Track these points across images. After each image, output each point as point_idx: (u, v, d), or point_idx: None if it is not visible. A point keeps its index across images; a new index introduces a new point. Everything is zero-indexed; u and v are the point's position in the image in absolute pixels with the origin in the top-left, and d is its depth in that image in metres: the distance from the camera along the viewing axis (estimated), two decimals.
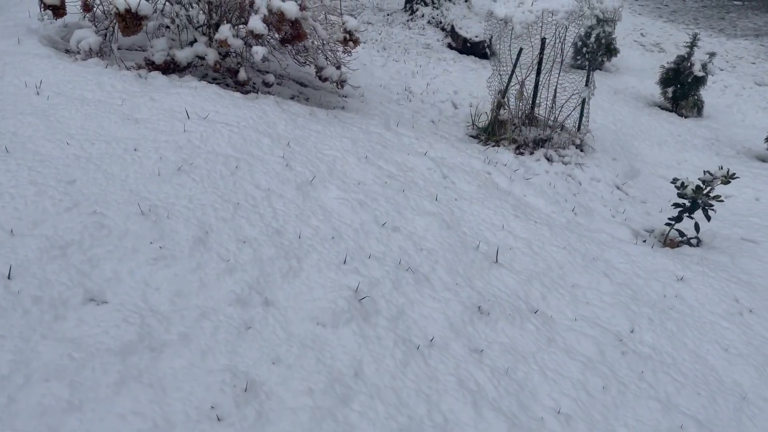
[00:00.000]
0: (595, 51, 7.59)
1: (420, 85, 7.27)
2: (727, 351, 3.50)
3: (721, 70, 9.73)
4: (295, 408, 2.28)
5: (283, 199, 3.60)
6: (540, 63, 5.94)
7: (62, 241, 2.73)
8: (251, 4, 4.85)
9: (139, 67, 4.88)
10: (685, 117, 8.12)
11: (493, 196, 4.64)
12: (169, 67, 4.95)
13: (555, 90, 5.99)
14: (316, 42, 5.50)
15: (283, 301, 2.82)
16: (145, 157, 3.53)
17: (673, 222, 4.83)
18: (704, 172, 4.74)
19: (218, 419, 2.17)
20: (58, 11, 4.88)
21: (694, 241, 4.92)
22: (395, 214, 3.85)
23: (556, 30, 5.59)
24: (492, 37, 6.00)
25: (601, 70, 9.04)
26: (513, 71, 5.86)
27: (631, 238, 4.81)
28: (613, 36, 8.54)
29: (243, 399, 2.25)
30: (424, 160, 4.87)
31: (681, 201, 4.80)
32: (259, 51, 4.84)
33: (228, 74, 5.28)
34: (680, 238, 4.91)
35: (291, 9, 4.76)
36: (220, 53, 5.12)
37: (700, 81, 7.99)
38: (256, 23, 4.76)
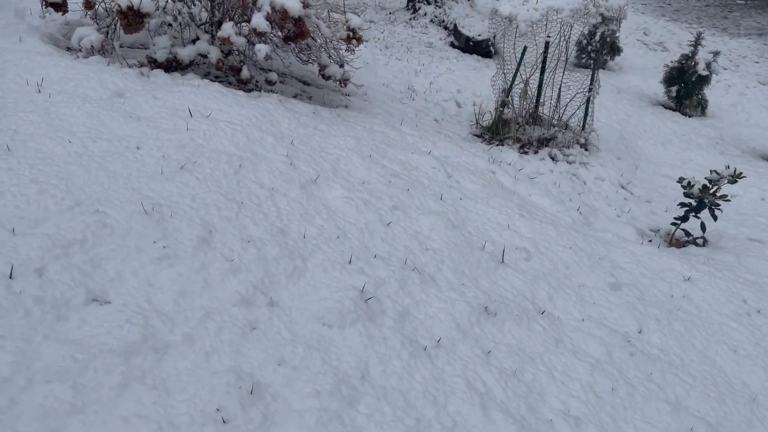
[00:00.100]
0: (600, 50, 7.54)
1: (423, 84, 7.23)
2: (736, 352, 3.47)
3: (725, 69, 9.68)
4: (302, 410, 2.25)
5: (287, 198, 3.56)
6: (544, 61, 5.90)
7: (64, 241, 2.69)
8: (254, 2, 4.81)
9: (141, 65, 4.85)
10: (689, 116, 8.08)
11: (498, 196, 4.60)
12: (172, 65, 4.91)
13: (559, 89, 5.95)
14: (319, 40, 5.47)
15: (288, 302, 2.79)
16: (148, 155, 3.50)
17: (679, 221, 4.79)
18: (711, 171, 4.70)
19: (223, 422, 2.14)
20: (60, 8, 4.84)
21: (700, 241, 4.88)
22: (400, 213, 3.81)
23: (560, 28, 5.55)
24: (495, 36, 5.96)
25: (604, 69, 8.99)
26: (517, 70, 5.82)
27: (636, 237, 4.77)
28: (617, 35, 8.50)
29: (248, 401, 2.22)
30: (429, 159, 4.83)
31: (687, 200, 4.76)
32: (262, 49, 4.80)
33: (230, 72, 5.24)
34: (686, 238, 4.87)
35: (294, 6, 4.72)
36: (222, 51, 5.08)
37: (704, 80, 7.94)
38: (259, 21, 4.72)
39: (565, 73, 5.91)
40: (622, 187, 5.68)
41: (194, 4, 5.15)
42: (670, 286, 3.95)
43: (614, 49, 8.69)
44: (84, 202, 2.95)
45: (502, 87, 6.01)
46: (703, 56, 7.91)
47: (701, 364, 3.32)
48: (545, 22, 5.56)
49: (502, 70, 5.95)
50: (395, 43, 8.63)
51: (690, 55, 7.99)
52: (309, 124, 4.67)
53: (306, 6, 4.87)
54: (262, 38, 4.88)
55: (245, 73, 5.09)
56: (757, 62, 10.47)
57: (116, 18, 4.79)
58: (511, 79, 5.89)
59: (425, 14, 9.66)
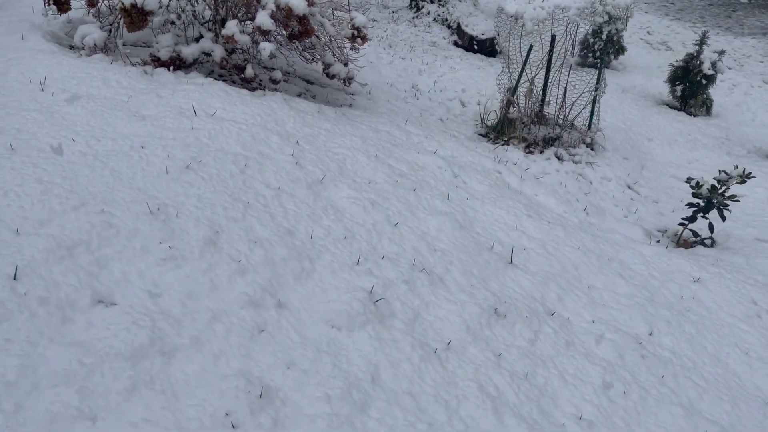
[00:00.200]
0: (607, 49, 7.49)
1: (427, 83, 7.19)
2: (748, 355, 3.43)
3: (729, 68, 9.63)
4: (312, 415, 2.21)
5: (294, 198, 3.52)
6: (550, 60, 5.86)
7: (69, 241, 2.65)
8: (258, 0, 4.76)
9: (145, 63, 4.80)
10: (694, 116, 8.03)
11: (505, 196, 4.56)
12: (175, 64, 4.87)
13: (565, 88, 5.90)
14: (323, 38, 5.42)
15: (296, 303, 2.74)
16: (153, 154, 3.45)
17: (687, 222, 4.75)
18: (719, 171, 4.66)
19: (233, 427, 2.10)
20: (63, 6, 4.80)
21: (708, 242, 4.85)
22: (407, 214, 3.77)
23: (567, 27, 5.51)
24: (499, 34, 5.91)
25: (608, 68, 8.94)
26: (523, 68, 5.78)
27: (644, 238, 4.73)
28: (623, 33, 8.45)
29: (258, 405, 2.18)
30: (435, 158, 4.79)
31: (695, 201, 4.72)
32: (266, 47, 4.75)
33: (234, 71, 5.20)
34: (694, 239, 4.83)
35: (299, 5, 4.68)
36: (226, 49, 5.04)
37: (709, 79, 7.90)
38: (263, 19, 4.67)
39: (571, 72, 5.87)
40: (629, 187, 5.63)
41: (197, 2, 5.10)
42: (679, 287, 3.91)
43: (618, 49, 8.65)
44: (89, 202, 2.91)
45: (507, 86, 5.97)
46: (708, 55, 7.87)
47: (713, 366, 3.28)
48: (551, 21, 5.52)
49: (507, 69, 5.91)
50: (398, 42, 8.59)
51: (695, 54, 7.95)
52: (314, 124, 4.63)
53: (311, 4, 4.82)
54: (267, 36, 4.84)
55: (249, 71, 5.05)
56: (762, 62, 10.42)
57: (119, 16, 4.74)
58: (516, 78, 5.85)
59: (428, 13, 9.62)
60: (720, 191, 4.58)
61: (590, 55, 8.22)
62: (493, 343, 2.90)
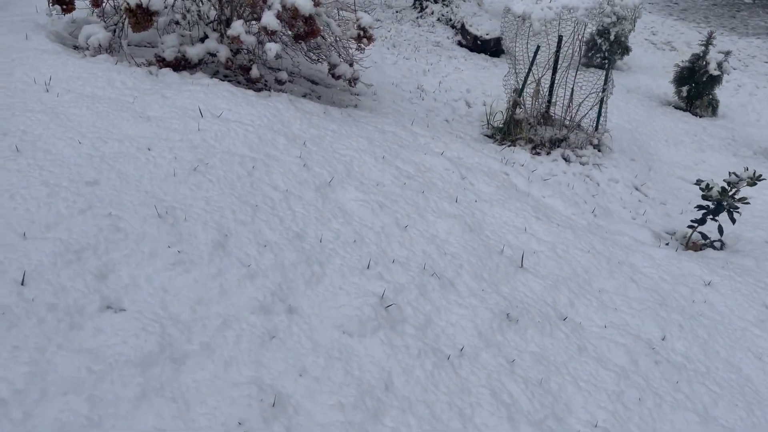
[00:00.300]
0: (614, 49, 7.45)
1: (432, 84, 7.15)
2: (761, 360, 3.39)
3: (734, 69, 9.58)
4: (326, 424, 2.17)
5: (302, 201, 3.48)
6: (556, 61, 5.82)
7: (77, 245, 2.61)
8: (264, 0, 4.72)
9: (150, 64, 4.76)
10: (700, 116, 7.99)
11: (513, 198, 4.52)
12: (180, 64, 4.83)
13: (572, 89, 5.86)
14: (329, 38, 5.38)
15: (306, 309, 2.70)
16: (160, 156, 3.41)
17: (696, 224, 4.71)
18: (729, 173, 4.62)
19: None
20: (67, 6, 4.76)
21: (717, 244, 4.80)
22: (416, 217, 3.73)
23: (575, 27, 5.47)
24: (503, 34, 5.87)
25: (613, 68, 8.90)
26: (530, 69, 5.73)
27: (653, 240, 4.69)
28: (631, 34, 8.41)
29: (271, 414, 2.14)
30: (442, 160, 4.75)
31: (705, 203, 4.68)
32: (272, 48, 4.71)
33: (239, 71, 5.16)
34: (703, 241, 4.79)
35: (305, 5, 4.64)
36: (231, 50, 5.00)
37: (715, 80, 7.85)
38: (269, 19, 4.63)
39: (578, 73, 5.83)
40: (636, 189, 5.59)
41: (202, 2, 5.06)
42: (691, 291, 3.87)
43: (624, 49, 8.60)
44: (96, 205, 2.87)
45: (513, 87, 5.93)
46: (714, 56, 7.82)
47: (727, 372, 3.24)
48: (558, 21, 5.47)
49: (513, 69, 5.87)
50: (402, 42, 8.55)
51: (701, 54, 7.90)
52: (320, 125, 4.59)
53: (317, 4, 4.78)
54: (273, 37, 4.80)
55: (255, 72, 5.01)
56: (767, 62, 10.38)
57: (124, 16, 4.71)
58: (523, 78, 5.81)
59: (432, 13, 9.58)
60: (730, 193, 4.54)
61: (598, 55, 8.16)
62: (505, 349, 2.86)
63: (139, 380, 2.12)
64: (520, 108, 5.89)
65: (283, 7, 4.66)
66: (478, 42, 8.85)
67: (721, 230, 4.70)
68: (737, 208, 4.57)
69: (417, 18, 9.59)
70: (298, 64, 5.91)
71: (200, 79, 4.68)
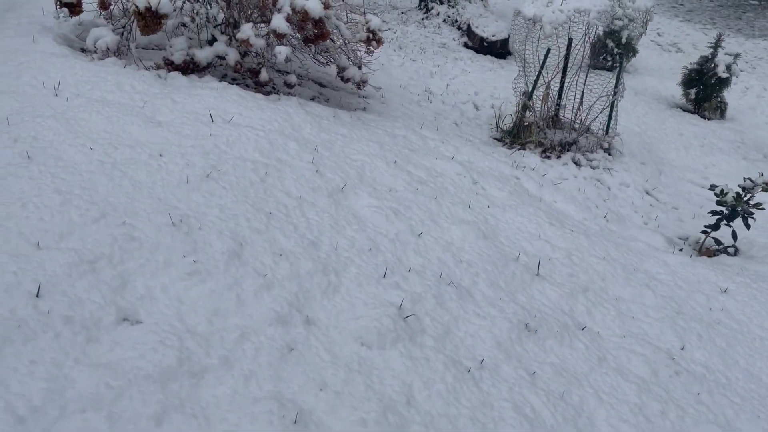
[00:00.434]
0: (625, 52, 7.40)
1: (439, 86, 7.10)
2: None
3: (742, 71, 9.54)
4: None
5: (316, 207, 3.43)
6: (566, 64, 5.77)
7: (91, 255, 2.56)
8: (274, 3, 4.67)
9: (158, 67, 4.71)
10: (708, 119, 7.95)
11: (526, 203, 4.47)
12: (189, 67, 4.78)
13: (582, 92, 5.82)
14: (338, 41, 5.33)
15: (324, 320, 2.66)
16: (172, 162, 3.37)
17: (709, 230, 4.67)
18: (744, 178, 4.57)
19: None
20: (75, 9, 4.71)
21: (731, 250, 4.76)
22: (430, 223, 3.69)
23: (586, 29, 5.42)
24: (509, 36, 5.82)
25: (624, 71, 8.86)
26: (540, 72, 5.69)
27: (666, 246, 4.65)
28: (640, 37, 8.36)
29: (293, 431, 2.09)
30: (453, 164, 4.71)
31: (719, 208, 4.63)
32: (282, 51, 4.66)
33: (248, 74, 5.11)
34: (717, 247, 4.75)
35: (315, 8, 4.59)
36: (240, 53, 4.95)
37: (723, 82, 7.81)
38: (279, 22, 4.58)
39: (588, 75, 5.78)
40: (648, 193, 5.55)
41: (211, 5, 5.01)
42: (707, 298, 3.82)
43: (632, 51, 8.55)
44: (109, 213, 2.82)
45: (523, 90, 5.88)
46: (722, 58, 7.78)
47: (747, 382, 3.19)
48: (569, 24, 5.43)
49: (523, 72, 5.82)
50: (408, 43, 8.50)
51: (710, 57, 7.86)
52: (330, 129, 4.54)
53: (327, 7, 4.74)
54: (282, 40, 4.75)
55: (264, 75, 4.96)
56: None
57: (132, 19, 4.65)
58: (533, 81, 5.76)
59: (438, 14, 9.53)
60: (745, 199, 4.50)
61: (610, 58, 8.10)
62: (525, 360, 2.81)
63: (159, 396, 2.07)
64: (530, 111, 5.85)
65: (293, 9, 4.61)
66: (485, 43, 8.81)
67: (735, 236, 4.66)
68: (752, 213, 4.52)
69: (422, 19, 9.54)
70: (305, 66, 5.86)
71: (209, 83, 4.63)
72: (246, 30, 4.67)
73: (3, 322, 2.16)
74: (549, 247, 3.90)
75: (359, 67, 5.54)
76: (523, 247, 3.81)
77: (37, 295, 2.30)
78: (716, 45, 7.81)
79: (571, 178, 5.40)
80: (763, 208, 4.53)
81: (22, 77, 3.98)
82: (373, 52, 5.53)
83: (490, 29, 8.88)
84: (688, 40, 11.07)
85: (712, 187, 4.65)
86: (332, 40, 5.22)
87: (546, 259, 3.73)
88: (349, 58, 5.47)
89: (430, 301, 2.97)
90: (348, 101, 5.72)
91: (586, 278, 3.68)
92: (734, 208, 4.54)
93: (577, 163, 5.64)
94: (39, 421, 1.90)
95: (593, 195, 5.23)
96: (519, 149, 5.71)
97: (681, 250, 4.66)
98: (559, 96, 5.92)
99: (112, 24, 4.89)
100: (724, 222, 4.62)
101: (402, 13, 9.84)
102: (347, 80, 5.47)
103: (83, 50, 4.82)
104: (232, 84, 4.81)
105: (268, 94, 4.94)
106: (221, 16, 5.11)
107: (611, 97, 5.77)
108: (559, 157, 5.68)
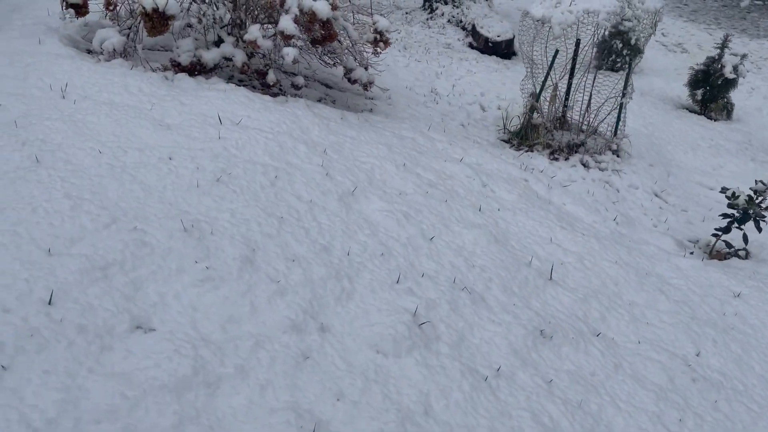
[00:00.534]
0: (633, 53, 7.37)
1: (445, 87, 7.06)
2: None
3: (748, 71, 9.51)
4: None
5: (327, 212, 3.40)
6: (573, 65, 5.73)
7: (103, 261, 2.53)
8: (282, 4, 4.63)
9: (165, 69, 4.67)
10: (715, 120, 7.91)
11: (536, 206, 4.43)
12: (196, 69, 4.74)
13: (590, 93, 5.78)
14: (345, 42, 5.30)
15: (338, 327, 2.62)
16: (182, 166, 3.33)
17: (720, 233, 4.63)
18: (756, 181, 4.54)
19: None
20: (81, 10, 4.67)
21: (742, 253, 4.72)
22: (441, 227, 3.65)
23: (594, 30, 5.38)
24: (514, 37, 5.78)
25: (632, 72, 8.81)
26: (548, 73, 5.65)
27: (676, 249, 4.61)
28: (650, 38, 8.32)
29: None
30: (462, 167, 4.67)
31: (730, 211, 4.60)
32: (290, 53, 4.63)
33: (255, 76, 5.07)
34: (728, 250, 4.71)
35: (323, 9, 4.55)
36: (247, 54, 4.91)
37: (730, 83, 7.77)
38: (287, 23, 4.54)
39: (596, 77, 5.75)
40: (657, 196, 5.51)
41: (218, 6, 4.97)
42: (720, 303, 3.79)
43: (638, 52, 8.51)
44: (120, 218, 2.78)
45: (531, 91, 5.84)
46: (729, 59, 7.74)
47: (763, 389, 3.16)
48: (577, 25, 5.39)
49: (531, 73, 5.78)
50: (413, 44, 8.46)
51: (716, 57, 7.82)
52: (338, 131, 4.50)
53: (334, 8, 4.70)
54: (289, 41, 4.71)
55: (271, 77, 4.92)
56: None
57: (139, 20, 4.62)
58: (541, 83, 5.72)
59: (442, 14, 9.48)
60: (757, 202, 4.46)
61: (618, 59, 8.05)
62: (542, 368, 2.78)
63: (175, 407, 2.04)
64: (538, 112, 5.81)
65: (301, 11, 4.57)
66: (490, 44, 8.77)
67: (746, 239, 4.62)
68: (764, 216, 4.49)
69: (427, 19, 9.50)
70: (312, 67, 5.82)
71: (216, 84, 4.60)
72: (254, 31, 4.63)
73: (16, 330, 2.12)
74: (561, 251, 3.87)
75: (365, 68, 5.51)
76: (535, 251, 3.78)
77: (50, 303, 2.27)
78: (723, 45, 7.77)
79: (579, 180, 5.36)
80: None
81: (29, 79, 3.94)
82: (380, 53, 5.49)
83: (495, 29, 8.84)
84: (693, 41, 11.03)
85: (724, 190, 4.62)
86: (339, 41, 5.18)
87: (558, 264, 3.70)
88: (356, 59, 5.43)
89: (444, 307, 2.93)
90: (355, 103, 5.68)
91: (599, 283, 3.65)
92: (746, 211, 4.50)
93: (585, 165, 5.60)
94: None
95: (602, 197, 5.19)
96: (527, 151, 5.67)
97: (692, 253, 4.62)
98: (567, 97, 5.88)
99: (119, 25, 4.85)
100: (736, 225, 4.59)
101: (406, 13, 9.80)
102: (354, 81, 5.43)
103: (89, 51, 4.79)
104: (239, 86, 4.77)
105: (275, 95, 4.90)
106: (228, 17, 5.07)
107: (620, 98, 5.73)
108: (567, 158, 5.65)
